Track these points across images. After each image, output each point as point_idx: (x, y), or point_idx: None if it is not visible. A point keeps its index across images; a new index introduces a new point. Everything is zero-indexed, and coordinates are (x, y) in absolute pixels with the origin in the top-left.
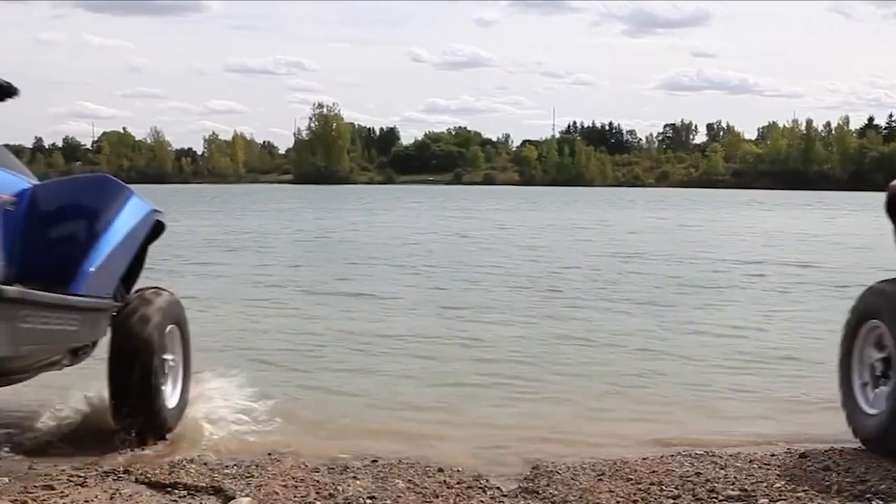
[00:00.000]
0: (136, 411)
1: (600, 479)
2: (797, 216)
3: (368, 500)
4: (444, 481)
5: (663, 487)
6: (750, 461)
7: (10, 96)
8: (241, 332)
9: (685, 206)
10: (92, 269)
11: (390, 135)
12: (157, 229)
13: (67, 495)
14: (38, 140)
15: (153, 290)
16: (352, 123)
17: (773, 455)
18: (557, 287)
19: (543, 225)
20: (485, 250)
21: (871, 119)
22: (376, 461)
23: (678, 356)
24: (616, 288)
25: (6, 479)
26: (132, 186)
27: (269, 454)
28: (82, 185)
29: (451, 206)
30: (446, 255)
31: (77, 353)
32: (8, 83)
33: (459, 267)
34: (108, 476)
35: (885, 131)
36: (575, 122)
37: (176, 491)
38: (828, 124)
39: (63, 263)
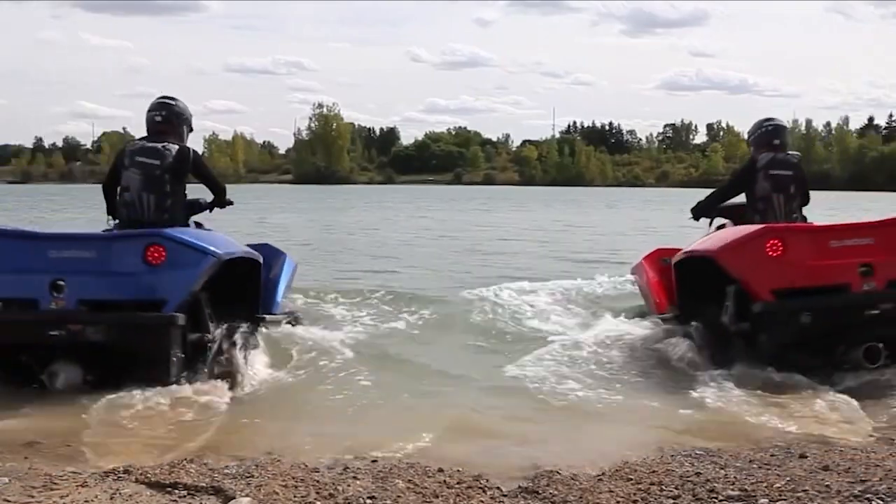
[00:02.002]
0: None
1: (600, 479)
2: None
3: (368, 500)
4: (444, 481)
5: (663, 487)
6: (750, 461)
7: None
8: None
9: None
10: (279, 298)
11: (390, 135)
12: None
13: (67, 495)
14: (39, 140)
15: None
16: (352, 123)
17: (773, 455)
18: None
19: (526, 226)
20: (470, 251)
21: (871, 119)
22: (376, 461)
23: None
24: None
25: (6, 479)
26: None
27: (269, 454)
28: (259, 248)
29: (433, 207)
30: (422, 254)
31: None
32: (231, 202)
33: (438, 266)
34: (108, 476)
35: (885, 131)
36: (575, 122)
37: (176, 491)
38: (828, 124)
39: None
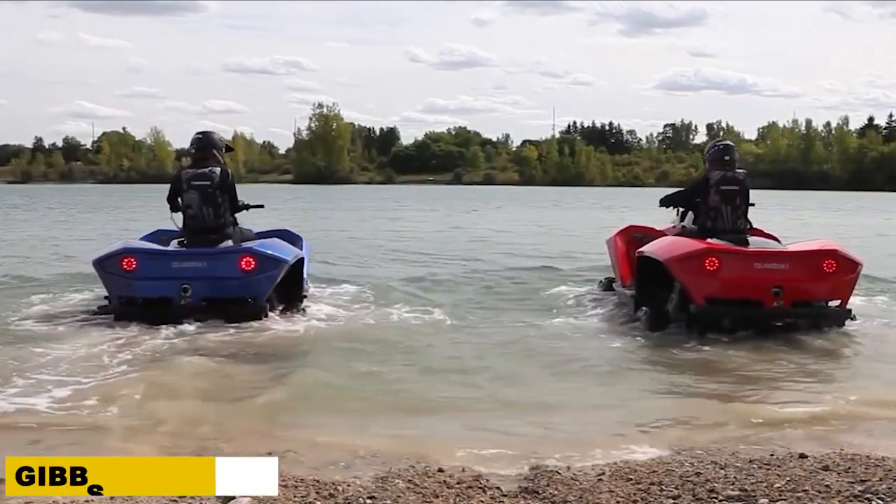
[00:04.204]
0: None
1: (600, 479)
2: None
3: (368, 500)
4: (444, 481)
5: (663, 487)
6: (750, 461)
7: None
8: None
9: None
10: (307, 274)
11: (390, 135)
12: None
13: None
14: (38, 140)
15: None
16: (352, 123)
17: (772, 455)
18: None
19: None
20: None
21: (870, 119)
22: (376, 461)
23: (672, 355)
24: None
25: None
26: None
27: (269, 454)
28: (280, 232)
29: (424, 209)
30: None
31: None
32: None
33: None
34: None
35: (885, 131)
36: (575, 122)
37: None
38: (828, 124)
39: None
